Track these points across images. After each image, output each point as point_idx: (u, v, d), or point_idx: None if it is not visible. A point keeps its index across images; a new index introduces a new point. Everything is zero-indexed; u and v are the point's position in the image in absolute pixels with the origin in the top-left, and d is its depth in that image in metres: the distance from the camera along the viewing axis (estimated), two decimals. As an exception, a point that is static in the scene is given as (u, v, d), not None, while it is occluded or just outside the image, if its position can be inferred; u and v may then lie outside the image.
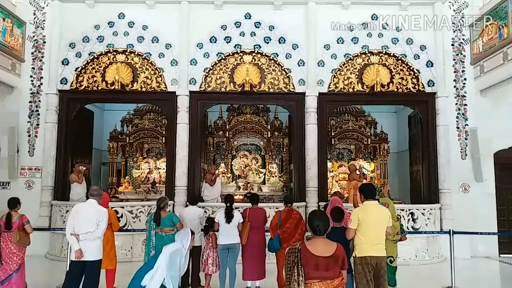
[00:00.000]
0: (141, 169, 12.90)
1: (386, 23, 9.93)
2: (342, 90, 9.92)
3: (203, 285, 6.59)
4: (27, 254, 6.44)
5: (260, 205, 6.92)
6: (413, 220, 9.06)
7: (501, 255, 9.62)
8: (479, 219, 9.20)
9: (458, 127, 9.87)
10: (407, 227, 8.89)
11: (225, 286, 6.34)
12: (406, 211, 9.11)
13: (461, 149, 9.82)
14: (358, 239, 4.64)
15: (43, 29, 10.00)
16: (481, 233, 8.03)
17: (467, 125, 9.84)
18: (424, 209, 9.21)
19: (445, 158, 9.61)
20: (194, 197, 7.34)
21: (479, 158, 9.59)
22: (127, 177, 12.86)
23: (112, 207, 7.29)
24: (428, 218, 9.15)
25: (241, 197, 11.25)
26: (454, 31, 10.02)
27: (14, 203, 6.32)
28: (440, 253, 9.15)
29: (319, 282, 3.16)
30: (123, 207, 9.08)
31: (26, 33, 9.92)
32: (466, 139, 9.82)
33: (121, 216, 8.83)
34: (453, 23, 10.03)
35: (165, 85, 9.86)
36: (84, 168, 9.82)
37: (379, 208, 4.76)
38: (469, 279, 7.44)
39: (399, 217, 5.66)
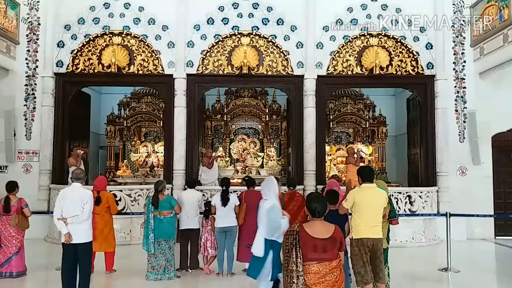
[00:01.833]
0: (139, 152, 12.88)
1: (386, 5, 9.80)
2: (341, 72, 9.83)
3: (202, 268, 6.65)
4: (26, 237, 6.50)
5: (257, 188, 6.93)
6: (411, 202, 9.10)
7: (496, 237, 9.72)
8: (476, 202, 9.23)
9: (456, 110, 9.84)
10: (405, 210, 8.96)
11: (223, 268, 6.41)
12: (403, 193, 9.14)
13: (459, 132, 9.82)
14: (355, 221, 4.67)
15: (37, 10, 9.82)
16: (477, 216, 8.09)
17: (466, 108, 9.81)
18: (421, 192, 9.25)
19: (443, 141, 9.61)
20: (192, 180, 7.34)
21: (477, 141, 9.59)
22: (125, 160, 12.86)
23: (110, 191, 7.31)
24: (425, 201, 9.19)
25: (239, 180, 11.27)
26: (454, 12, 9.90)
27: (12, 186, 6.34)
28: (437, 235, 9.24)
29: (317, 264, 3.18)
30: (121, 191, 9.08)
31: (20, 15, 9.74)
32: (464, 122, 9.80)
33: (120, 200, 8.85)
34: (453, 4, 9.91)
35: (162, 67, 9.76)
36: (82, 152, 9.78)
37: (376, 191, 4.76)
38: (465, 261, 7.53)
39: (390, 200, 5.55)
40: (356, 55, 9.86)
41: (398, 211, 8.72)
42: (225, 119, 12.83)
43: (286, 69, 9.82)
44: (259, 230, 4.23)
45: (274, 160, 13.00)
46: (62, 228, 4.88)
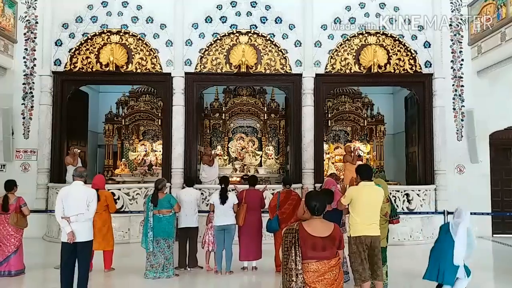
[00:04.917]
0: (137, 151, 12.87)
1: (384, 3, 9.81)
2: (339, 71, 9.84)
3: (201, 266, 6.66)
4: (25, 236, 6.49)
5: (256, 187, 6.95)
6: (408, 201, 9.13)
7: (494, 235, 9.75)
8: (474, 200, 9.24)
9: (454, 108, 9.87)
10: (402, 208, 8.99)
11: (222, 266, 6.42)
12: (401, 192, 9.17)
13: (457, 131, 9.84)
14: (353, 219, 4.70)
15: (35, 9, 9.79)
16: (475, 214, 8.09)
17: (464, 106, 9.84)
18: (419, 190, 9.28)
19: (441, 140, 9.64)
20: (190, 179, 7.34)
21: (475, 140, 9.62)
22: (123, 159, 12.84)
23: (109, 189, 7.29)
24: (423, 199, 9.22)
25: (237, 179, 11.27)
26: (452, 11, 9.92)
27: (11, 185, 6.34)
28: (435, 234, 9.19)
29: (316, 262, 3.19)
30: (120, 189, 9.09)
31: (17, 13, 9.71)
32: (462, 120, 9.83)
33: (118, 198, 8.85)
34: (451, 3, 9.93)
35: (160, 66, 9.75)
36: (79, 151, 9.79)
37: (373, 189, 4.79)
38: (462, 259, 7.53)
39: (388, 199, 5.57)
40: (354, 54, 9.86)
41: (396, 209, 8.73)
42: (223, 117, 12.83)
43: (285, 67, 9.82)
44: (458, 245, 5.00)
45: (272, 158, 13.02)
46: (65, 226, 4.86)
